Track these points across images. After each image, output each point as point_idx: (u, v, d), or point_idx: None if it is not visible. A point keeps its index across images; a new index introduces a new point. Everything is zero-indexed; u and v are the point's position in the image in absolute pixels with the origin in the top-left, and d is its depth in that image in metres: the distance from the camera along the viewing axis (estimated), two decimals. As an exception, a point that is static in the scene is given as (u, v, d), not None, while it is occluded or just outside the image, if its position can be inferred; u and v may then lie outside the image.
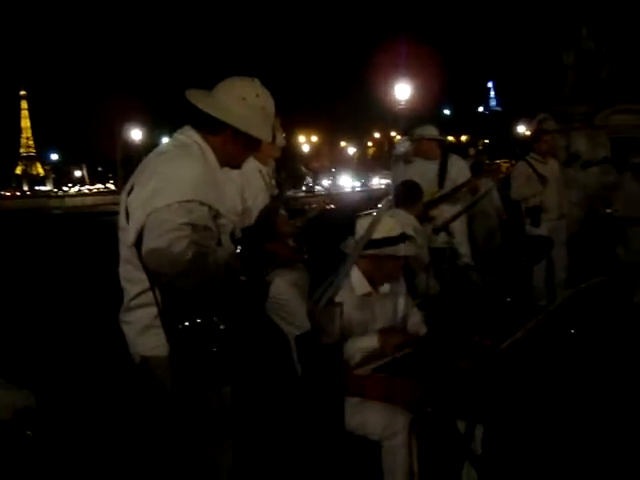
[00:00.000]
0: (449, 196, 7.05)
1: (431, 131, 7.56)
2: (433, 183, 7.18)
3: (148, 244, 2.78)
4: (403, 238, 3.71)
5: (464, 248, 7.05)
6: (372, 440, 3.36)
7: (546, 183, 8.08)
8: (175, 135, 3.12)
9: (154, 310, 2.92)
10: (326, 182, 57.57)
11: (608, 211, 9.11)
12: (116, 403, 5.13)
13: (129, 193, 2.99)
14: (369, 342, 3.50)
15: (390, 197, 3.40)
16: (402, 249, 3.69)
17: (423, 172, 7.23)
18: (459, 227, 6.93)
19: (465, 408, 3.33)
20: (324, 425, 3.40)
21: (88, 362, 6.32)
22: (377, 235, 3.51)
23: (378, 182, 65.69)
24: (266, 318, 5.01)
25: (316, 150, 65.66)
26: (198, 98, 3.07)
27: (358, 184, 63.67)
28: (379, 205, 3.47)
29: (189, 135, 3.07)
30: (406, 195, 5.39)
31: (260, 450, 4.23)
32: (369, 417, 3.32)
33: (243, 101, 3.08)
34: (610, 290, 7.39)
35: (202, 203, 2.89)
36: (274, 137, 3.64)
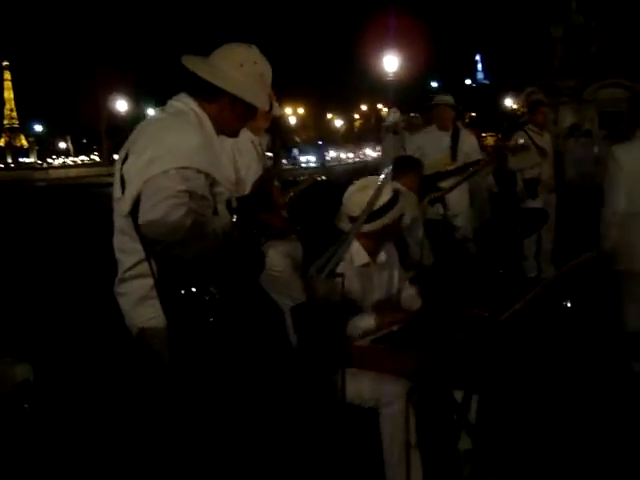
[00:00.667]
0: (462, 170, 7.03)
1: (448, 99, 7.59)
2: (446, 153, 7.25)
3: (145, 212, 2.74)
4: (396, 198, 3.69)
5: (461, 220, 7.08)
6: (369, 408, 3.36)
7: (545, 155, 8.13)
8: (170, 102, 3.06)
9: (150, 281, 2.89)
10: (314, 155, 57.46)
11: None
12: (113, 376, 5.13)
13: (123, 162, 2.94)
14: (366, 322, 3.50)
15: (388, 170, 3.37)
16: (398, 210, 3.67)
17: (436, 141, 7.35)
18: (456, 198, 6.96)
19: (463, 378, 3.35)
20: (323, 394, 3.40)
21: (82, 336, 6.29)
22: (375, 207, 3.48)
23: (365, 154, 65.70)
24: (260, 289, 4.99)
25: (303, 122, 65.40)
26: (195, 64, 3.02)
27: (349, 155, 63.58)
28: (379, 176, 3.41)
29: (185, 102, 3.02)
30: (402, 167, 5.35)
31: (256, 421, 4.24)
32: (366, 385, 3.32)
33: (241, 68, 3.03)
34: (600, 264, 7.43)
35: (199, 171, 2.85)
36: (271, 106, 3.59)
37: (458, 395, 3.42)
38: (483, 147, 7.69)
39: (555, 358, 5.32)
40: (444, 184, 6.74)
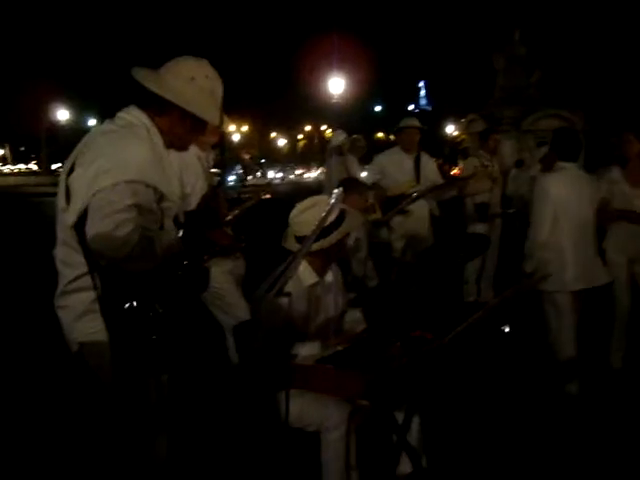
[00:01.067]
0: (426, 192, 7.19)
1: (414, 122, 7.75)
2: (409, 175, 7.38)
3: (93, 225, 2.68)
4: (342, 217, 3.71)
5: (400, 243, 7.16)
6: (310, 432, 3.35)
7: (495, 181, 8.29)
8: (120, 114, 3.02)
9: (92, 294, 2.83)
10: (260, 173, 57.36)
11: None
12: (51, 392, 5.00)
13: (69, 173, 2.88)
14: (311, 349, 3.49)
15: (338, 191, 3.37)
16: (345, 228, 3.69)
17: (400, 163, 7.49)
18: (399, 222, 7.08)
19: (405, 400, 3.37)
20: (264, 416, 3.38)
21: (20, 350, 6.12)
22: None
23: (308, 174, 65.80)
24: (202, 306, 4.95)
25: (246, 140, 65.31)
26: (145, 77, 2.98)
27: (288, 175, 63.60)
28: (324, 196, 3.42)
29: (136, 115, 2.98)
30: (346, 188, 5.38)
31: (196, 441, 4.18)
32: (308, 409, 3.31)
33: (192, 82, 3.01)
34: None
35: (148, 185, 2.81)
36: (221, 119, 3.58)
37: (401, 417, 3.44)
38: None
39: (495, 380, 5.40)
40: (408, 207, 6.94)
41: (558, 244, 5.14)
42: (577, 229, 5.19)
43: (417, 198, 7.00)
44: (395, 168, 7.49)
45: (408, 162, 7.50)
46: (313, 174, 62.88)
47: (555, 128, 16.61)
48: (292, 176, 62.59)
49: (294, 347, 3.38)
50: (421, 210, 7.39)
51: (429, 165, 7.74)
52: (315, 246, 3.49)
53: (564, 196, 5.18)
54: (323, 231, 3.52)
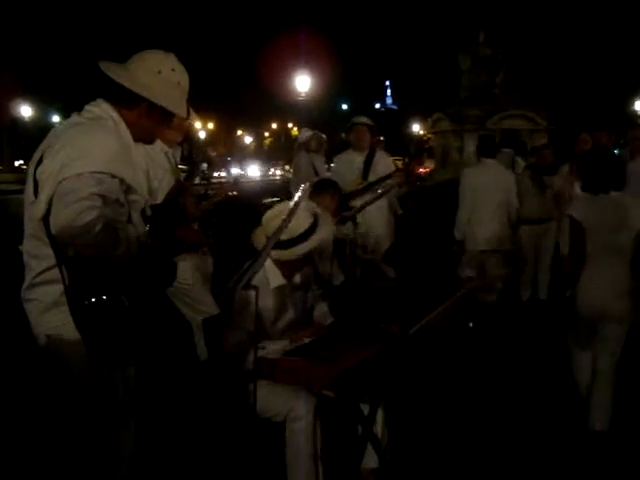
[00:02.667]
0: (370, 187, 7.12)
1: (363, 119, 7.68)
2: (358, 174, 7.32)
3: (57, 212, 2.69)
4: (316, 223, 3.72)
5: (372, 239, 7.16)
6: (276, 422, 3.38)
7: None
8: (88, 107, 3.03)
9: (60, 287, 2.83)
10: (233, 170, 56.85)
11: None
12: (18, 385, 4.97)
13: (37, 165, 2.88)
14: (280, 346, 3.52)
15: (304, 187, 3.39)
16: (319, 234, 3.70)
17: (350, 161, 7.47)
18: (373, 217, 7.12)
19: (370, 392, 3.42)
20: (232, 407, 3.40)
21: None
22: (285, 236, 3.49)
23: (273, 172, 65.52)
24: (168, 301, 4.95)
25: (212, 137, 64.99)
26: (113, 70, 3.00)
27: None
28: (295, 197, 3.43)
29: (103, 108, 2.99)
30: (319, 189, 5.40)
31: (163, 433, 4.19)
32: (274, 400, 3.34)
33: (159, 75, 3.03)
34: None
35: (114, 176, 2.82)
36: (188, 112, 3.59)
37: (366, 409, 3.48)
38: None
39: (460, 373, 5.48)
40: (355, 203, 6.76)
41: (477, 219, 7.20)
42: (491, 207, 7.19)
43: (357, 195, 6.99)
44: (345, 167, 7.50)
45: (359, 160, 7.45)
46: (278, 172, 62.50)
47: (526, 128, 16.92)
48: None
49: (263, 344, 3.41)
50: (379, 208, 7.34)
51: (382, 162, 7.60)
52: (288, 254, 3.54)
53: (480, 184, 7.20)
54: (297, 238, 3.56)
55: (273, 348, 3.47)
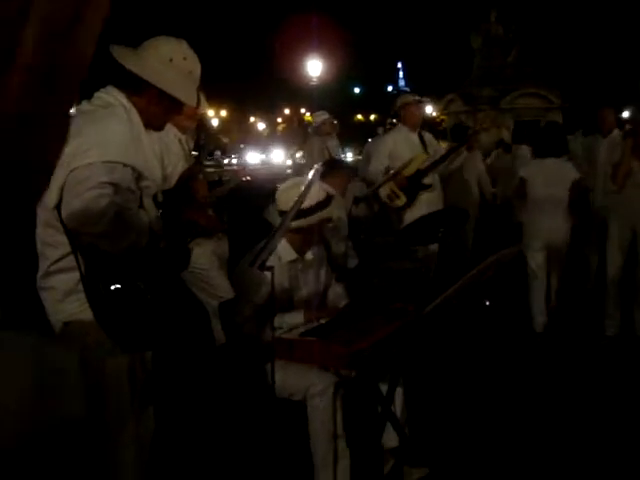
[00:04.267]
0: (439, 163, 7.02)
1: (416, 97, 7.43)
2: (420, 149, 7.10)
3: (68, 202, 2.70)
4: (327, 202, 3.77)
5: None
6: (296, 401, 3.40)
7: None
8: (98, 94, 3.03)
9: (76, 275, 2.84)
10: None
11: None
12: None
13: None
14: (295, 318, 3.55)
15: (317, 166, 3.42)
16: (327, 213, 3.76)
17: (408, 141, 7.16)
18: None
19: (388, 371, 3.42)
20: (252, 387, 3.42)
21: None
22: (306, 204, 3.53)
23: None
24: (184, 287, 4.97)
25: (225, 125, 64.95)
26: (124, 56, 2.99)
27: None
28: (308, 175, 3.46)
29: (114, 95, 2.99)
30: (330, 169, 5.41)
31: (181, 417, 4.22)
32: (293, 378, 3.36)
33: (170, 63, 3.02)
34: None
35: (125, 165, 2.83)
36: (199, 101, 3.59)
37: (384, 388, 3.49)
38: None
39: (476, 352, 5.48)
40: (427, 180, 6.85)
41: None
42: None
43: (430, 170, 6.90)
44: (403, 147, 7.13)
45: (415, 138, 7.16)
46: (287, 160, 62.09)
47: (542, 105, 16.77)
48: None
49: (278, 317, 3.43)
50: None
51: (431, 138, 7.44)
52: (296, 223, 3.54)
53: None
54: (306, 210, 3.57)
55: (288, 320, 3.49)
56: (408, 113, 7.20)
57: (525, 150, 9.53)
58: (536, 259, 6.32)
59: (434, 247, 6.12)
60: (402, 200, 6.76)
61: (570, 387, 5.00)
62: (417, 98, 7.33)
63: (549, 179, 6.22)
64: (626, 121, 7.47)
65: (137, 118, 3.01)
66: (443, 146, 8.31)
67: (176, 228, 3.10)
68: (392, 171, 6.82)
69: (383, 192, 6.84)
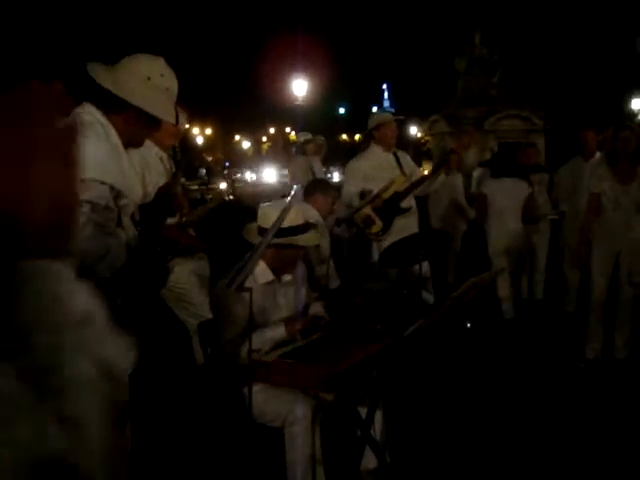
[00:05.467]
0: (417, 185, 6.80)
1: (390, 116, 7.17)
2: (395, 170, 6.83)
3: None
4: (306, 228, 3.76)
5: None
6: (274, 427, 3.36)
7: None
8: (75, 112, 3.00)
9: None
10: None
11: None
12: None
13: None
14: (276, 332, 3.51)
15: (298, 187, 3.41)
16: (303, 239, 3.73)
17: (383, 162, 6.88)
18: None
19: (367, 394, 3.40)
20: (229, 412, 3.38)
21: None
22: (285, 225, 3.51)
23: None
24: (165, 306, 4.93)
25: (210, 143, 65.05)
26: (101, 75, 2.97)
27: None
28: (288, 195, 3.44)
29: (91, 113, 2.97)
30: (312, 189, 5.40)
31: (158, 437, 4.17)
32: (271, 405, 3.32)
33: (147, 81, 3.01)
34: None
35: (103, 182, 2.80)
36: (177, 118, 3.57)
37: (364, 412, 3.47)
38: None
39: (457, 374, 5.47)
40: (405, 203, 6.64)
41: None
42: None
43: (408, 193, 6.67)
44: (379, 169, 6.83)
45: (390, 159, 6.90)
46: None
47: (523, 128, 16.87)
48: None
49: (258, 333, 3.39)
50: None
51: (408, 159, 7.19)
52: (274, 240, 3.52)
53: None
54: (284, 230, 3.55)
55: (269, 337, 3.46)
56: (381, 133, 6.95)
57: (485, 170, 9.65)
58: (499, 259, 7.50)
59: (415, 269, 6.02)
60: (378, 226, 6.54)
61: (548, 409, 4.99)
62: (390, 117, 7.12)
63: (505, 194, 7.52)
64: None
65: (115, 135, 2.99)
66: (427, 167, 8.33)
67: (155, 246, 3.07)
68: (373, 194, 6.60)
69: (359, 217, 6.60)
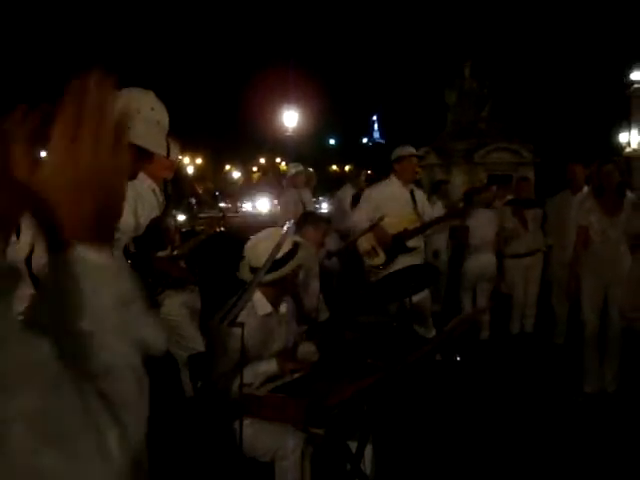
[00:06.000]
0: (429, 226, 6.74)
1: (413, 150, 7.00)
2: (410, 209, 6.71)
3: (38, 257, 2.69)
4: (293, 252, 3.77)
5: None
6: (263, 462, 3.36)
7: None
8: None
9: None
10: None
11: None
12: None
13: None
14: (268, 366, 3.52)
15: (291, 223, 3.43)
16: (297, 260, 3.75)
17: (398, 196, 6.75)
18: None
19: (358, 428, 3.40)
20: (219, 445, 3.37)
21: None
22: (277, 257, 3.53)
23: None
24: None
25: (201, 172, 65.21)
26: None
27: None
28: (280, 228, 3.47)
29: None
30: (304, 221, 5.42)
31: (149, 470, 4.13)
32: (262, 439, 3.32)
33: (137, 114, 3.03)
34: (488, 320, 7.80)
35: None
36: (168, 151, 3.60)
37: (354, 446, 3.47)
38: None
39: (447, 408, 5.46)
40: (413, 242, 6.53)
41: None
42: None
43: (417, 233, 6.59)
44: (393, 202, 6.67)
45: (406, 194, 6.75)
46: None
47: (512, 160, 17.03)
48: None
49: (250, 367, 3.39)
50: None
51: (423, 198, 7.07)
52: (269, 277, 3.54)
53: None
54: (276, 263, 3.57)
55: (261, 371, 3.46)
56: (402, 167, 6.80)
57: None
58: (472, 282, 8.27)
59: (407, 301, 5.99)
60: (381, 259, 6.50)
61: (544, 443, 4.98)
62: (412, 151, 6.93)
63: (482, 225, 7.99)
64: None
65: None
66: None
67: (146, 278, 3.08)
68: (373, 222, 6.54)
69: (362, 247, 6.59)
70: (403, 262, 6.23)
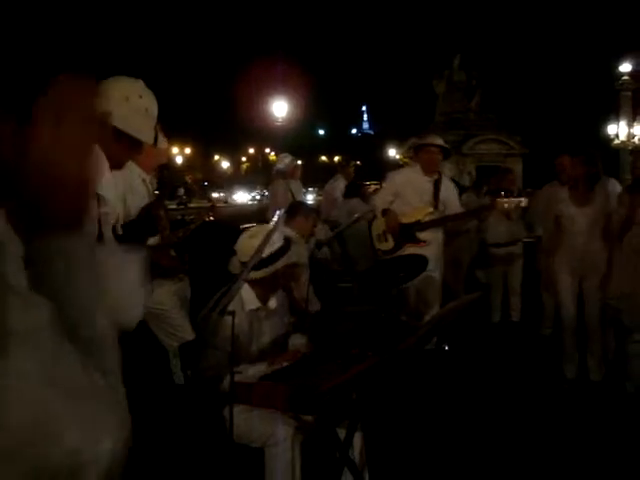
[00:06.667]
0: (442, 222, 6.58)
1: (437, 140, 6.75)
2: (428, 201, 6.56)
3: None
4: (285, 249, 3.80)
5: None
6: (255, 447, 3.38)
7: None
8: None
9: None
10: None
11: None
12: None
13: None
14: (258, 370, 3.53)
15: (280, 213, 3.45)
16: (287, 258, 3.78)
17: (419, 185, 6.59)
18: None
19: (346, 416, 3.43)
20: (210, 433, 3.39)
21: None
22: (266, 253, 3.55)
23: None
24: (144, 326, 4.93)
25: (190, 162, 65.03)
26: None
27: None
28: (271, 221, 3.50)
29: None
30: (293, 213, 5.42)
31: (137, 459, 4.15)
32: (252, 426, 3.34)
33: (126, 102, 3.04)
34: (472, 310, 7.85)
35: None
36: (156, 140, 3.59)
37: (343, 434, 3.49)
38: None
39: (437, 396, 5.50)
40: (424, 235, 6.44)
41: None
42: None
43: (430, 226, 6.46)
44: (412, 190, 6.54)
45: (427, 185, 6.57)
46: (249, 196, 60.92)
47: (501, 151, 17.10)
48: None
49: (241, 368, 3.42)
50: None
51: (450, 191, 6.74)
52: (260, 273, 3.58)
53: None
54: (266, 260, 3.60)
55: (251, 372, 3.48)
56: (420, 157, 6.66)
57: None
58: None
59: (398, 291, 5.98)
60: (389, 245, 6.46)
61: (532, 429, 5.04)
62: (433, 142, 6.69)
63: None
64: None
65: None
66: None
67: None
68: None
69: (375, 230, 6.61)
70: (410, 252, 6.21)
